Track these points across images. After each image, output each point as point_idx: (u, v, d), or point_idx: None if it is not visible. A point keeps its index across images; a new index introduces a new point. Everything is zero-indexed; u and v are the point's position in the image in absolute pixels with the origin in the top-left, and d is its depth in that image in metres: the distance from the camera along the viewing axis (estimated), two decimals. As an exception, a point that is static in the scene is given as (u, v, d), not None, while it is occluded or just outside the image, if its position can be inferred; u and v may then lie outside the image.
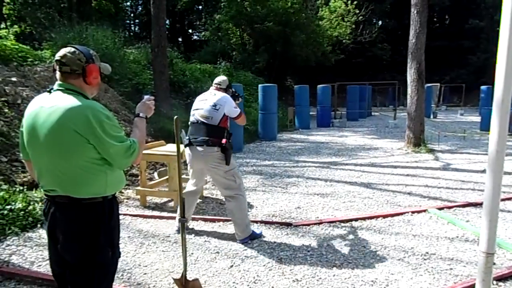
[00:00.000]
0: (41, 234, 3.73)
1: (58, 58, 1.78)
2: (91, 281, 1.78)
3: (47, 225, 1.82)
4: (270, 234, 3.73)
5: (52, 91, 1.79)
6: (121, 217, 4.22)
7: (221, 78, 3.75)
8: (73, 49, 1.79)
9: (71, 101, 1.72)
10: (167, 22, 28.49)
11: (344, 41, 21.01)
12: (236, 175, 3.51)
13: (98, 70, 1.85)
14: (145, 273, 2.96)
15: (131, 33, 30.57)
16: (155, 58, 10.30)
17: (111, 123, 1.75)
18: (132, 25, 32.96)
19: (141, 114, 1.99)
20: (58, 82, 1.80)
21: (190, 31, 34.20)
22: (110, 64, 2.03)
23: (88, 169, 1.73)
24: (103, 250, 1.80)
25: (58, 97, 1.75)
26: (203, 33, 26.15)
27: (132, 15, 31.90)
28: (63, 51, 1.79)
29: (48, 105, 1.72)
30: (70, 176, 1.72)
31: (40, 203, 4.14)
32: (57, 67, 1.79)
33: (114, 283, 2.79)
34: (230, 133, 3.52)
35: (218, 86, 3.67)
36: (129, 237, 3.69)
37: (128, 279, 2.89)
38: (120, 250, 3.38)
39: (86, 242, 1.75)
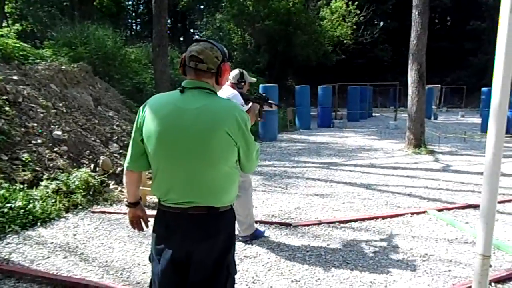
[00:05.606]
0: (41, 233, 3.75)
1: (195, 53, 1.59)
2: None
3: (172, 247, 1.59)
4: (269, 234, 3.73)
5: (185, 90, 1.60)
6: (121, 216, 4.24)
7: (233, 72, 3.57)
8: (210, 45, 1.61)
9: (218, 101, 1.60)
10: (169, 21, 28.49)
11: (345, 41, 21.00)
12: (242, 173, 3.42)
13: (230, 70, 1.70)
14: (144, 272, 2.97)
15: (133, 32, 30.61)
16: (156, 58, 10.33)
17: (249, 123, 1.66)
18: (133, 24, 32.99)
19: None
20: (191, 80, 1.61)
21: (191, 30, 34.24)
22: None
23: (229, 175, 1.63)
24: (233, 259, 1.71)
25: (199, 97, 1.58)
26: (204, 32, 26.16)
27: (133, 14, 31.92)
28: (200, 46, 1.60)
29: (192, 106, 1.54)
30: (214, 184, 1.59)
31: (40, 201, 4.15)
32: (191, 63, 1.60)
33: (113, 282, 2.82)
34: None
35: (231, 81, 3.53)
36: (128, 236, 3.70)
37: (127, 278, 2.90)
38: (121, 249, 3.41)
39: (224, 253, 1.64)
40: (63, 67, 7.43)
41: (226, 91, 3.41)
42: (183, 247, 1.58)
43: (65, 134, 5.58)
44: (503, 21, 1.61)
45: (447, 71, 28.57)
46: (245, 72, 3.56)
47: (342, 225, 4.01)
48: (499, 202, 4.57)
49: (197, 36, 33.14)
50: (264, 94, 3.62)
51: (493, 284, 2.75)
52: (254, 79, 3.67)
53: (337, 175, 6.42)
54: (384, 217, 4.23)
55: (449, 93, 26.48)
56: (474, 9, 29.09)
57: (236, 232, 3.50)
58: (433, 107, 18.75)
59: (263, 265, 3.10)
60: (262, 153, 8.65)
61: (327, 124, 14.61)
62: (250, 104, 3.46)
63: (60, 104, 6.30)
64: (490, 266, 2.04)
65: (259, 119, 3.68)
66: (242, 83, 3.53)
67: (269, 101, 3.61)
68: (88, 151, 5.64)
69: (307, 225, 3.98)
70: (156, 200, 4.92)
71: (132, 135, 1.68)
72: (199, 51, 1.59)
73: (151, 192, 4.99)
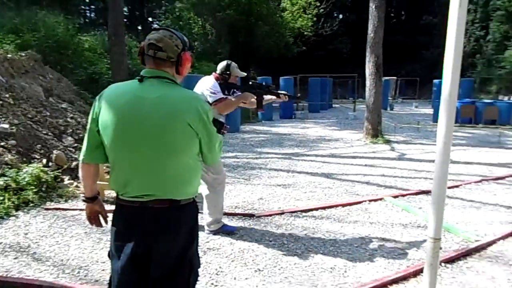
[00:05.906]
0: (-12, 233, 3.51)
1: (154, 41, 1.55)
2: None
3: (132, 242, 1.53)
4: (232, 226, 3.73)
5: (144, 79, 1.55)
6: (77, 212, 4.06)
7: (221, 63, 3.43)
8: (169, 33, 1.59)
9: (179, 91, 1.57)
10: (125, 9, 27.37)
11: (305, 33, 21.25)
12: (209, 168, 3.26)
13: (191, 60, 1.67)
14: (103, 270, 2.86)
15: (87, 20, 29.07)
16: (113, 47, 9.89)
17: (211, 114, 1.63)
18: (87, 11, 31.32)
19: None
20: (150, 69, 1.58)
21: (150, 19, 33.10)
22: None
23: (191, 167, 1.61)
24: (196, 253, 1.68)
25: (159, 86, 1.54)
26: (163, 21, 25.40)
27: (87, 0, 30.27)
28: (159, 34, 1.57)
29: (151, 95, 1.50)
30: (175, 176, 1.56)
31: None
32: (150, 52, 1.56)
33: (69, 281, 2.69)
34: (222, 122, 2.83)
35: (216, 72, 3.40)
36: (85, 232, 3.55)
37: (85, 276, 2.79)
38: (78, 246, 3.27)
39: (186, 248, 1.60)
40: (9, 56, 6.92)
41: (206, 82, 3.30)
42: (144, 242, 1.54)
43: (13, 127, 5.22)
44: (452, 16, 1.68)
45: (402, 63, 29.75)
46: (233, 64, 3.41)
47: (304, 214, 4.10)
48: (449, 188, 4.87)
49: (156, 25, 32.12)
50: (264, 83, 3.50)
51: (443, 264, 2.93)
52: (244, 73, 3.54)
53: (299, 165, 6.54)
54: (343, 205, 4.37)
55: (403, 85, 27.68)
56: (427, 4, 30.50)
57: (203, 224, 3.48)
58: (389, 98, 19.51)
59: (226, 257, 3.10)
60: (225, 144, 8.60)
61: (289, 115, 14.80)
62: (241, 93, 3.34)
63: (7, 95, 5.88)
64: (441, 248, 2.17)
65: (258, 109, 3.60)
66: (226, 75, 3.37)
67: (279, 91, 3.46)
68: (39, 145, 5.32)
69: (270, 215, 4.02)
70: (114, 194, 4.75)
71: (88, 126, 1.61)
72: (158, 39, 1.55)
73: (109, 186, 4.80)
